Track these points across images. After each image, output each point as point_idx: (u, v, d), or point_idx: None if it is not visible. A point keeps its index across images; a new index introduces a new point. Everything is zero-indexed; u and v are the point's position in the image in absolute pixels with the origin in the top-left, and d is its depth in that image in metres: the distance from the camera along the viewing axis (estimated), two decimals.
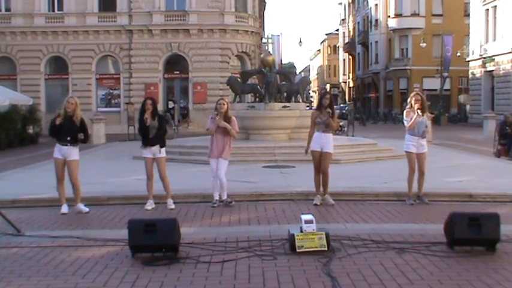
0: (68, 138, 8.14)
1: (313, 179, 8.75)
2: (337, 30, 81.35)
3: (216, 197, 8.61)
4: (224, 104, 8.56)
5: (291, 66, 57.18)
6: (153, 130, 8.43)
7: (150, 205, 8.46)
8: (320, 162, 8.67)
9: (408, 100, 8.93)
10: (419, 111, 8.58)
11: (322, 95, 9.16)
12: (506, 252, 5.77)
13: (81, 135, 8.18)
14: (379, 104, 56.19)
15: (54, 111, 8.33)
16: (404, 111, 8.91)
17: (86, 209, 8.21)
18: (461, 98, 44.86)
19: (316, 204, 8.50)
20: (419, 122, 8.64)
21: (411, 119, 8.62)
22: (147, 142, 8.49)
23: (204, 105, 32.95)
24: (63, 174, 8.26)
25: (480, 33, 38.25)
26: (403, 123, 9.00)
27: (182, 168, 12.36)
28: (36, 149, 20.78)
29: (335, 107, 9.41)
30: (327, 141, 8.67)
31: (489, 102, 37.39)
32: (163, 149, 8.59)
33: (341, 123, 24.33)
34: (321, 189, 8.71)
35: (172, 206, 8.43)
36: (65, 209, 8.15)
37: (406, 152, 8.83)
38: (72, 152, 8.22)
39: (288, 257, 5.61)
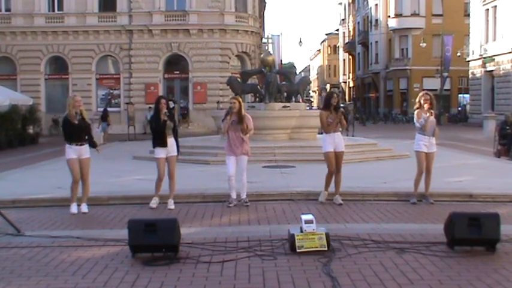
0: (86, 137, 8.29)
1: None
2: (337, 30, 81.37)
3: (234, 196, 8.54)
4: (235, 103, 8.51)
5: (291, 66, 57.24)
6: (169, 130, 8.42)
7: (155, 203, 8.40)
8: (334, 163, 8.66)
9: (417, 100, 8.86)
10: (430, 110, 8.57)
11: (329, 94, 9.04)
12: (506, 252, 5.76)
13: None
14: (379, 104, 56.20)
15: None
16: (415, 113, 8.84)
17: (86, 210, 8.21)
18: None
19: (322, 202, 8.52)
20: (430, 121, 8.62)
21: (423, 119, 8.57)
22: (163, 142, 8.42)
23: (204, 105, 33.01)
24: (79, 174, 8.24)
25: (480, 33, 38.24)
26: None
27: (182, 168, 12.27)
28: (36, 149, 20.82)
29: None
30: (340, 141, 8.72)
31: (489, 102, 37.38)
32: (175, 147, 8.57)
33: None
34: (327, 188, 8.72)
35: (172, 207, 8.38)
36: (74, 209, 8.12)
37: (417, 151, 8.76)
38: (87, 150, 8.32)
39: (288, 257, 5.60)
